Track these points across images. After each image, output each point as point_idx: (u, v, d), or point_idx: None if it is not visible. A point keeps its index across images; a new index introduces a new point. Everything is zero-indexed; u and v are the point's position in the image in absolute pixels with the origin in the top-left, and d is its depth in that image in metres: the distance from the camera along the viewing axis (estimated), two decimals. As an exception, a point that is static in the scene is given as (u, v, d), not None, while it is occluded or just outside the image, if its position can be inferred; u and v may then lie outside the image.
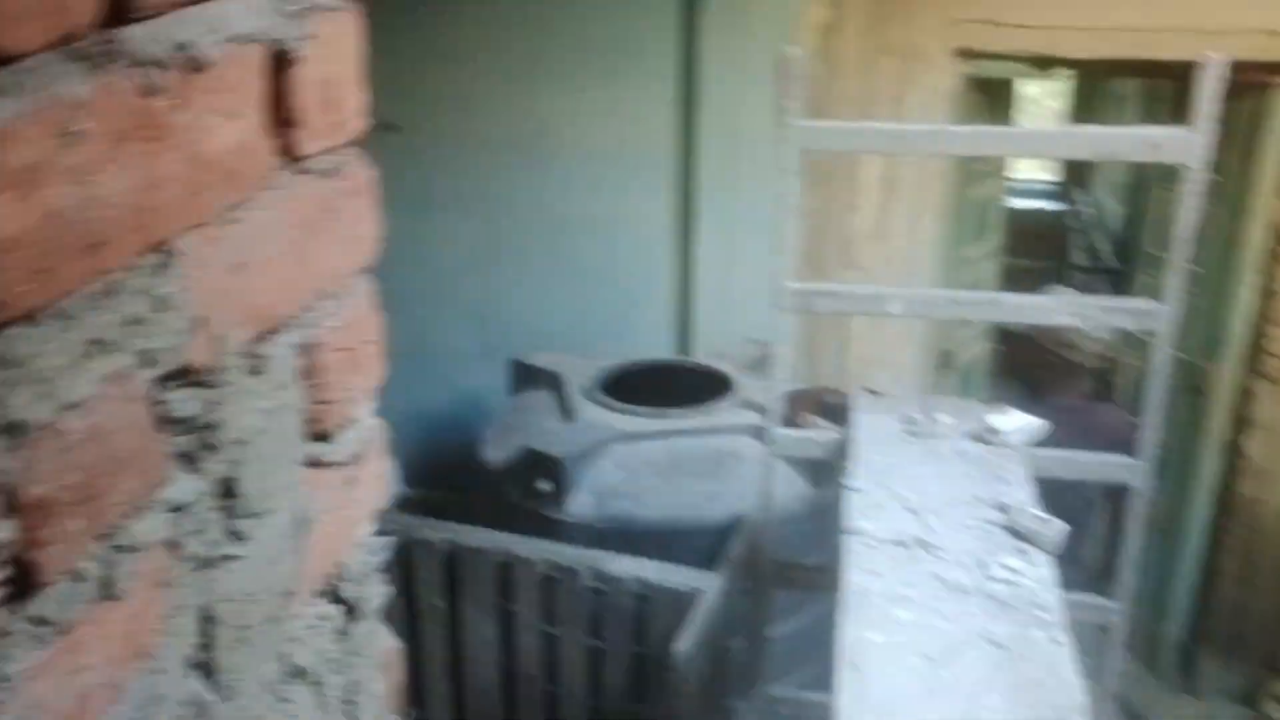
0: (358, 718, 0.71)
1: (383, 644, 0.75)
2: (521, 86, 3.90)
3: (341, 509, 0.70)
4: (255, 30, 0.58)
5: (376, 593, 0.74)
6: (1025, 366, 3.13)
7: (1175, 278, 2.14)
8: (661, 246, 3.97)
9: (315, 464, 0.67)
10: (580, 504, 3.04)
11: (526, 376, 3.63)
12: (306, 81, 0.63)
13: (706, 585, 2.63)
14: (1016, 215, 7.03)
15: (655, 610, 2.68)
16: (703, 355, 3.84)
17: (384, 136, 3.42)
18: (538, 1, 3.80)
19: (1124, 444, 2.95)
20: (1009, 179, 5.57)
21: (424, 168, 4.01)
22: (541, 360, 3.64)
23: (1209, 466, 4.08)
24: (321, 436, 0.68)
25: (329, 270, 0.68)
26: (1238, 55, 3.48)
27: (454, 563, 2.83)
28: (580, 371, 3.53)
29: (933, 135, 2.22)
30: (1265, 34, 3.50)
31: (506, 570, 2.79)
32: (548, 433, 3.23)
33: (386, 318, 3.27)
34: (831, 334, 3.96)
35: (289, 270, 0.63)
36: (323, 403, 0.67)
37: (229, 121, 0.56)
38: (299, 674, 0.65)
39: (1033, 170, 9.70)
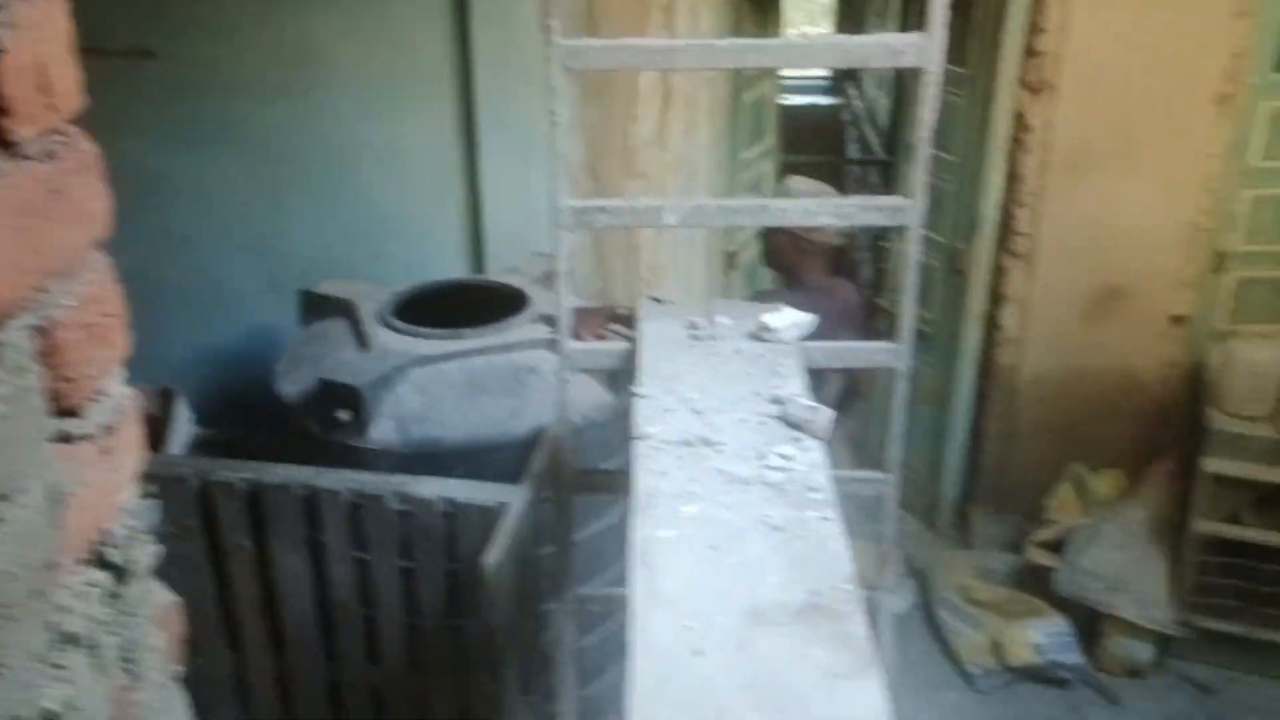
0: (138, 674, 0.75)
1: (157, 601, 0.78)
2: (287, 11, 3.75)
3: (99, 479, 0.73)
4: (-52, 24, 0.58)
5: (145, 553, 0.77)
6: (780, 254, 3.44)
7: (920, 173, 2.31)
8: (446, 166, 3.94)
9: (65, 439, 0.69)
10: (381, 431, 3.05)
11: (317, 307, 3.57)
12: (13, 69, 0.63)
13: (512, 499, 2.71)
14: (792, 112, 7.28)
15: (464, 527, 2.76)
16: (495, 273, 3.87)
17: (143, 66, 3.27)
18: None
19: (856, 316, 3.29)
20: (782, 79, 5.75)
21: (187, 99, 3.82)
22: (331, 289, 3.58)
23: (971, 339, 4.44)
24: (69, 412, 0.70)
25: (60, 251, 0.69)
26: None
27: (257, 501, 2.81)
28: (372, 298, 3.49)
29: (695, 50, 2.29)
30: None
31: (312, 503, 2.79)
32: (342, 362, 3.21)
33: (165, 256, 3.19)
34: (620, 244, 4.05)
35: (16, 257, 0.64)
36: (66, 380, 0.69)
37: (-68, 119, 0.57)
38: (71, 640, 0.68)
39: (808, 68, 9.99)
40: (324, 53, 3.81)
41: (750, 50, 2.36)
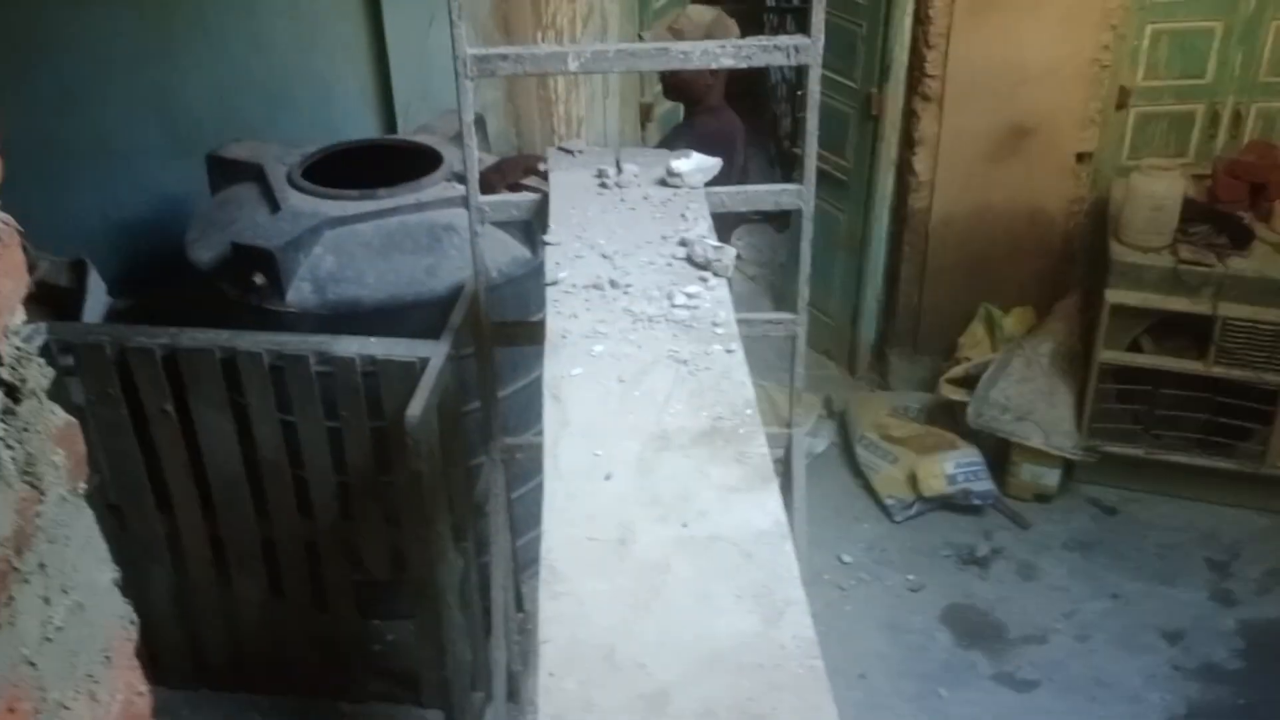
0: (41, 489, 0.79)
1: (55, 420, 0.82)
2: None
3: (-16, 303, 0.75)
4: None
5: (38, 374, 0.80)
6: (678, 82, 3.49)
7: (819, 11, 2.31)
8: (348, 18, 3.83)
9: (-57, 267, 0.71)
10: (299, 293, 3.06)
11: (225, 171, 3.51)
12: None
13: (432, 354, 2.75)
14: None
15: (386, 384, 2.80)
16: (407, 132, 3.81)
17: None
18: None
19: (734, 143, 3.36)
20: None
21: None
22: (240, 151, 3.51)
23: (886, 186, 4.50)
24: (-57, 241, 0.72)
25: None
26: None
27: (176, 366, 2.82)
28: (282, 160, 3.44)
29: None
30: None
31: (231, 366, 2.81)
32: (255, 225, 3.18)
33: (65, 118, 3.11)
34: (534, 97, 4.00)
35: None
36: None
37: None
38: (-33, 455, 0.71)
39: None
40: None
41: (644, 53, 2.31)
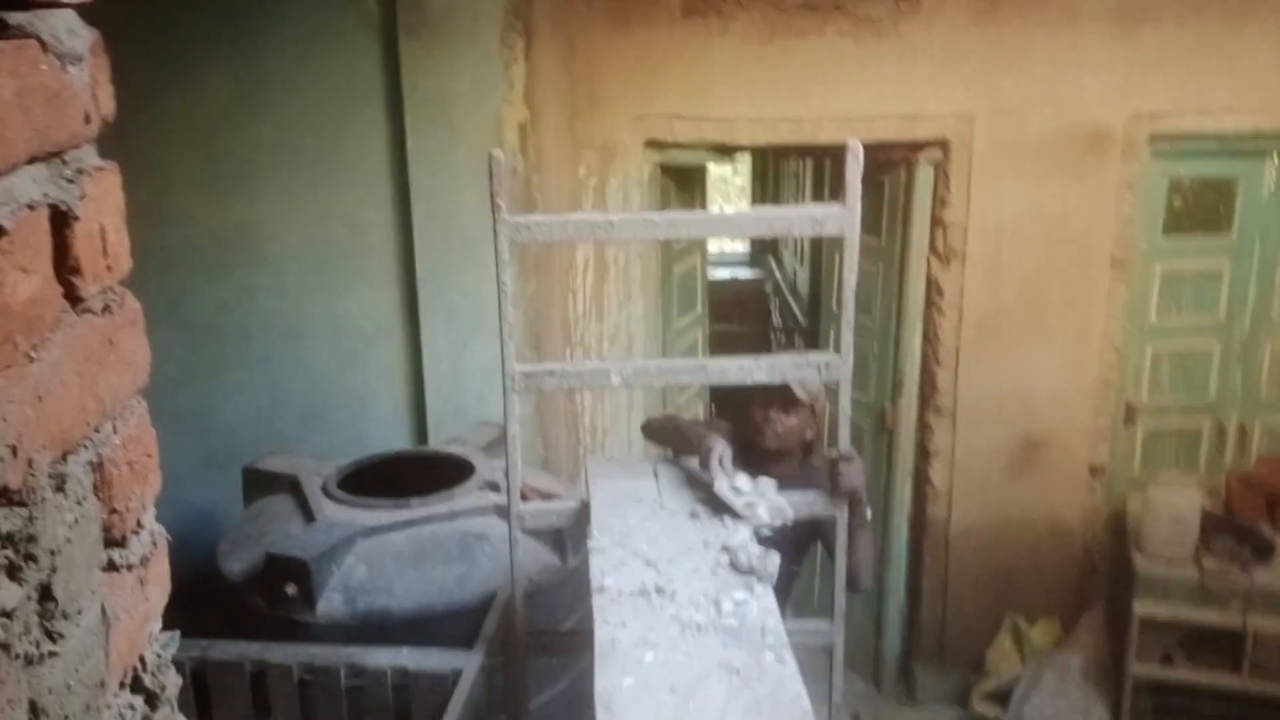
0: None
1: (180, 727, 0.83)
2: (229, 194, 3.90)
3: (136, 606, 0.78)
4: (41, 197, 0.68)
5: (172, 681, 0.82)
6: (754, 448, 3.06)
7: (846, 332, 2.47)
8: (387, 341, 4.04)
9: (112, 567, 0.75)
10: (330, 604, 3.03)
11: (260, 483, 3.58)
12: (84, 234, 0.72)
13: (465, 665, 2.70)
14: (718, 285, 7.58)
15: (418, 697, 2.72)
16: (439, 443, 3.92)
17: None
18: (244, 110, 3.82)
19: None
20: (709, 253, 6.04)
21: (129, 284, 3.89)
22: (275, 464, 3.60)
23: (903, 495, 4.58)
24: (116, 542, 0.76)
25: (113, 394, 0.77)
26: (884, 137, 4.05)
27: (202, 680, 2.75)
28: (317, 472, 3.52)
29: (629, 224, 2.47)
30: (903, 118, 4.06)
31: (260, 680, 2.75)
32: (290, 535, 3.20)
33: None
34: (562, 410, 4.15)
35: (81, 399, 0.72)
36: (115, 512, 0.76)
37: (26, 276, 0.65)
38: (113, 758, 0.72)
39: (729, 243, 10.49)
40: (269, 232, 3.93)
41: (682, 222, 2.55)
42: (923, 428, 4.47)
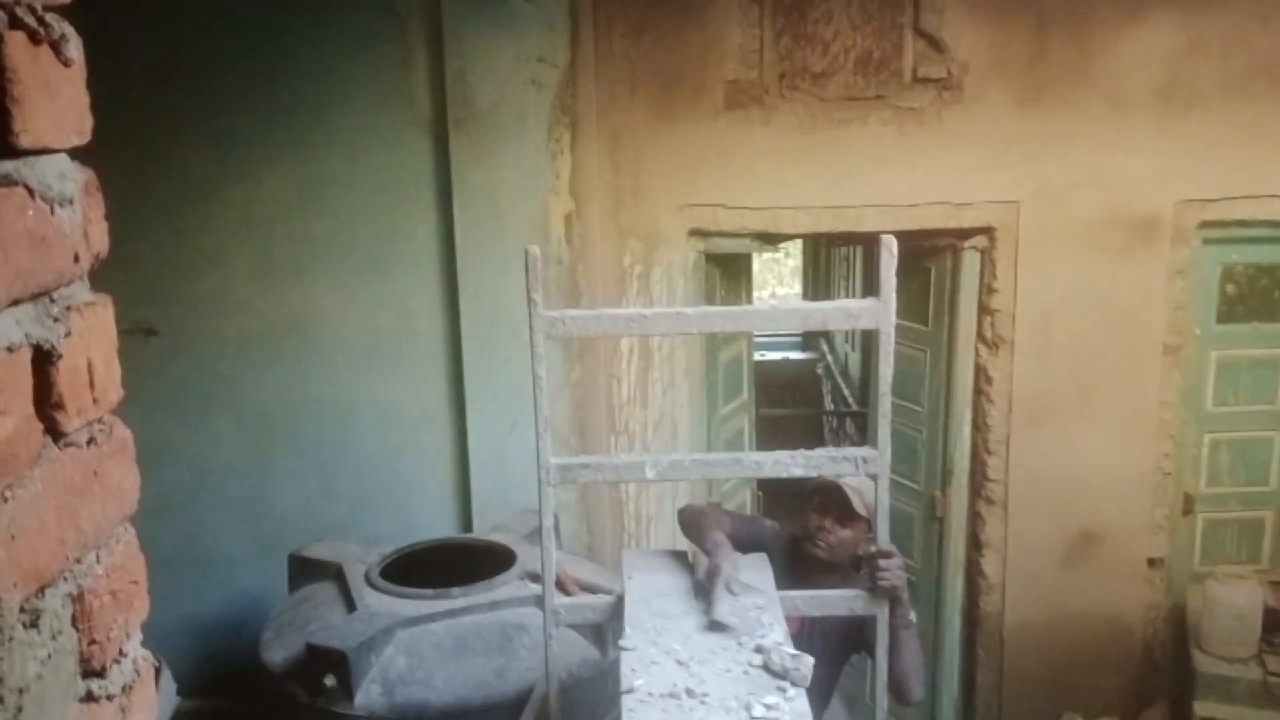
0: None
1: None
2: (285, 285, 4.00)
3: (117, 736, 0.79)
4: (22, 338, 0.70)
5: (154, 809, 0.82)
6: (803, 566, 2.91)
7: (883, 425, 2.44)
8: (434, 427, 4.08)
9: (91, 699, 0.76)
10: (368, 696, 3.03)
11: (306, 570, 3.61)
12: (69, 370, 0.75)
13: (499, 761, 2.67)
14: (768, 367, 7.56)
15: (449, 795, 2.69)
16: (483, 530, 3.93)
17: (145, 341, 3.45)
18: (299, 204, 3.94)
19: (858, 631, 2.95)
20: (757, 336, 6.04)
21: (185, 370, 4.01)
22: (320, 551, 3.63)
23: (955, 587, 4.46)
24: (95, 673, 0.77)
25: (95, 525, 0.79)
26: (929, 224, 4.05)
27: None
28: (360, 560, 3.54)
29: (662, 319, 2.48)
30: (948, 205, 4.06)
31: (294, 774, 2.73)
32: (329, 626, 3.21)
33: (157, 524, 3.22)
34: (606, 498, 4.14)
35: (59, 531, 0.73)
36: (94, 643, 0.77)
37: (4, 417, 0.67)
38: None
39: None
40: (320, 321, 4.02)
41: (718, 317, 2.55)
42: (974, 517, 4.37)
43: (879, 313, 2.44)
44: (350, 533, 3.84)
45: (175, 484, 4.01)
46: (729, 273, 4.66)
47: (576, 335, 2.49)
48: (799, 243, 9.06)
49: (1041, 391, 4.21)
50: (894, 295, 2.41)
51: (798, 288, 10.26)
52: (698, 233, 4.15)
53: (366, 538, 3.74)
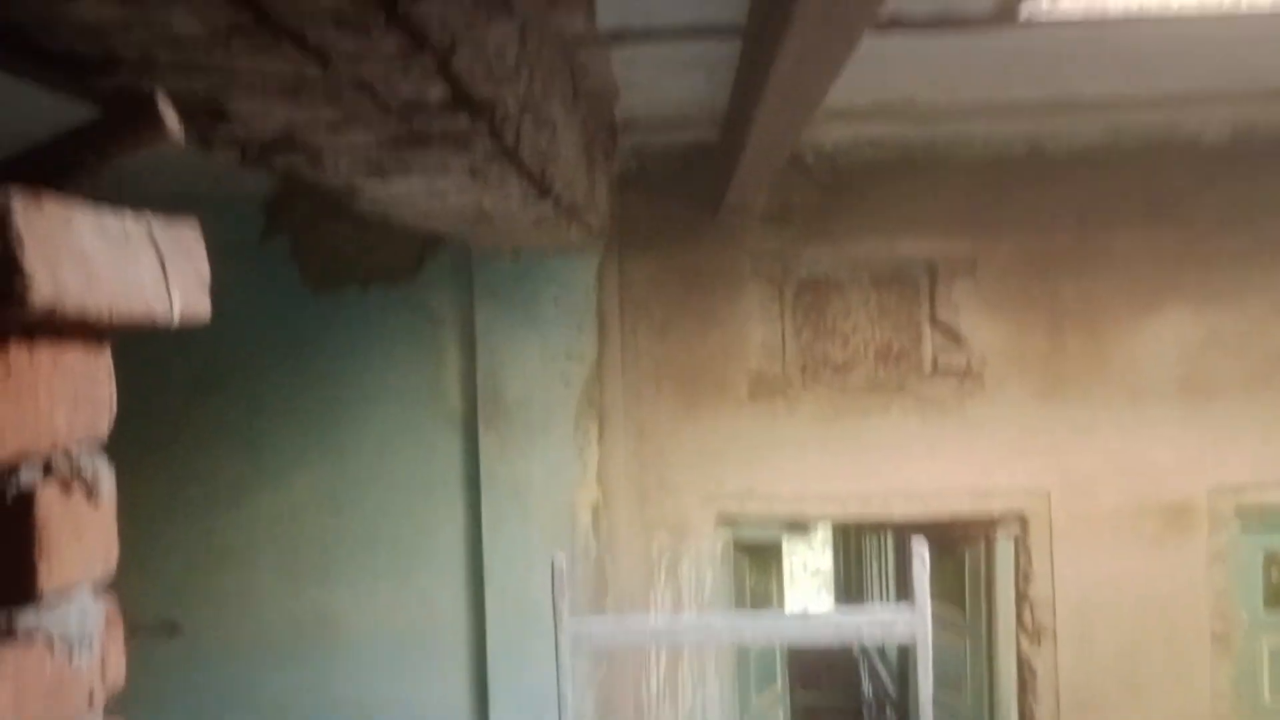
0: None
1: None
2: (310, 582, 3.99)
3: None
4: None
5: None
6: None
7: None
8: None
9: None
10: None
11: None
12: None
13: None
14: (806, 649, 7.29)
15: None
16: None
17: (168, 641, 3.40)
18: (329, 504, 3.98)
19: None
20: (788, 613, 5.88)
21: (207, 669, 3.94)
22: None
23: None
24: None
25: None
26: (956, 511, 4.01)
27: None
28: None
29: (690, 628, 2.43)
30: (975, 493, 4.03)
31: None
32: None
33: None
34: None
35: None
36: None
37: None
38: None
39: (811, 600, 10.21)
40: (343, 619, 3.97)
41: (747, 628, 2.50)
42: (1026, 823, 4.08)
43: (913, 623, 2.38)
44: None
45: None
46: (758, 561, 4.59)
47: (603, 648, 2.44)
48: (828, 534, 8.98)
49: (1086, 683, 4.02)
50: (929, 606, 2.36)
51: (828, 559, 10.07)
52: (725, 520, 4.12)
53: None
